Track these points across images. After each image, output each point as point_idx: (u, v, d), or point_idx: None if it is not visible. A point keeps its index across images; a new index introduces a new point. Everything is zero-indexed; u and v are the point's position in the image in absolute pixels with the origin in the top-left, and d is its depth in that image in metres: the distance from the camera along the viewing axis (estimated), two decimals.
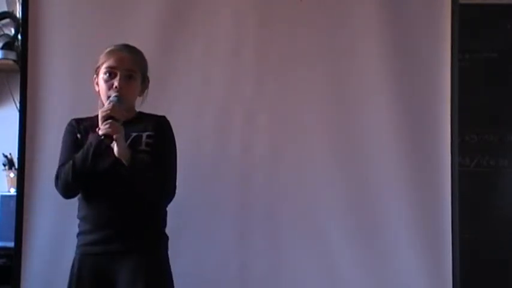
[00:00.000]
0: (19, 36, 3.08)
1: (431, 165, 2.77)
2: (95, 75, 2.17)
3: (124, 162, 1.99)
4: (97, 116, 2.16)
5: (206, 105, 2.75)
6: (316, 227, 2.74)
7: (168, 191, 2.10)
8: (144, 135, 2.09)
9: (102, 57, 2.14)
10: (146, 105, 2.26)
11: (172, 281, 2.11)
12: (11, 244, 2.71)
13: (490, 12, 3.16)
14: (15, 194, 2.80)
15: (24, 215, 2.69)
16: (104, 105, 2.19)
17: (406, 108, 2.77)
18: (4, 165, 3.17)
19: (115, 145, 1.99)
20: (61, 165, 2.08)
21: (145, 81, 2.18)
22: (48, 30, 2.74)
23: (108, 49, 2.15)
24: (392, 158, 2.76)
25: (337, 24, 2.81)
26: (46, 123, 2.72)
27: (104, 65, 2.11)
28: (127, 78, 2.10)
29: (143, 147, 2.08)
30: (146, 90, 2.20)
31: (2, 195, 3.08)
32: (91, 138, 2.02)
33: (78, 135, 2.12)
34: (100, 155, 2.00)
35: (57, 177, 2.08)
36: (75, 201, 2.72)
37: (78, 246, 2.11)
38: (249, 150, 2.75)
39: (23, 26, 2.78)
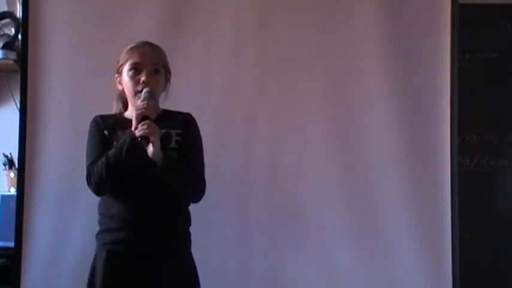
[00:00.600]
0: (19, 36, 3.08)
1: (431, 165, 2.77)
2: (116, 75, 2.17)
3: (157, 162, 1.99)
4: (119, 114, 2.19)
5: (206, 105, 2.75)
6: (316, 227, 2.74)
7: (200, 189, 2.12)
8: (174, 132, 2.10)
9: (124, 55, 2.14)
10: None
11: (198, 279, 2.13)
12: (11, 244, 2.71)
13: (490, 12, 3.15)
14: (15, 194, 2.79)
15: (24, 215, 2.68)
16: (122, 103, 2.20)
17: (406, 108, 2.77)
18: (4, 165, 3.17)
19: (149, 146, 1.98)
20: (92, 163, 2.06)
21: (167, 75, 2.19)
22: (48, 30, 2.74)
23: (128, 47, 2.15)
24: (392, 158, 2.76)
25: (337, 24, 2.81)
26: (46, 123, 2.72)
27: (129, 62, 2.11)
28: (153, 72, 2.11)
29: (173, 144, 2.08)
30: (168, 84, 2.20)
31: (2, 195, 3.08)
32: (125, 135, 2.01)
33: (106, 132, 2.11)
34: (132, 153, 1.99)
35: (89, 175, 2.06)
36: (75, 202, 2.73)
37: (102, 244, 2.08)
38: (249, 150, 2.75)
39: (23, 26, 2.78)
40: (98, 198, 2.68)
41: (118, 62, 2.16)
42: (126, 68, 2.12)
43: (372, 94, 2.78)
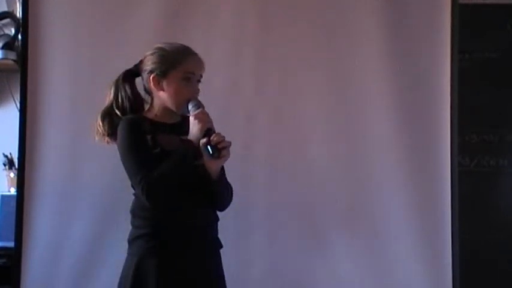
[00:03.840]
0: (19, 36, 3.08)
1: (431, 165, 2.77)
2: (153, 75, 2.00)
3: (212, 175, 1.96)
4: (142, 115, 2.04)
5: (206, 105, 2.74)
6: (316, 227, 2.74)
7: (231, 200, 2.11)
8: None
9: (173, 58, 2.00)
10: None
11: None
12: (11, 244, 2.71)
13: (490, 12, 3.15)
14: (15, 194, 2.79)
15: (24, 215, 2.68)
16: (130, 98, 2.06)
17: (406, 108, 2.78)
18: (4, 165, 3.17)
19: (217, 160, 1.92)
20: (146, 175, 1.87)
21: None
22: (48, 30, 2.74)
23: (180, 47, 2.03)
24: (392, 158, 2.76)
25: (337, 24, 2.81)
26: (46, 123, 2.72)
27: (184, 69, 1.99)
28: (198, 83, 2.04)
29: None
30: None
31: (2, 195, 3.08)
32: (184, 145, 1.93)
33: (148, 137, 1.95)
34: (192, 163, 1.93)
35: (150, 189, 1.87)
36: (75, 202, 2.72)
37: (151, 247, 1.95)
38: (249, 150, 2.75)
39: (23, 26, 2.78)
40: (98, 198, 2.69)
41: (161, 62, 2.00)
42: (177, 73, 1.98)
43: (371, 94, 2.78)
